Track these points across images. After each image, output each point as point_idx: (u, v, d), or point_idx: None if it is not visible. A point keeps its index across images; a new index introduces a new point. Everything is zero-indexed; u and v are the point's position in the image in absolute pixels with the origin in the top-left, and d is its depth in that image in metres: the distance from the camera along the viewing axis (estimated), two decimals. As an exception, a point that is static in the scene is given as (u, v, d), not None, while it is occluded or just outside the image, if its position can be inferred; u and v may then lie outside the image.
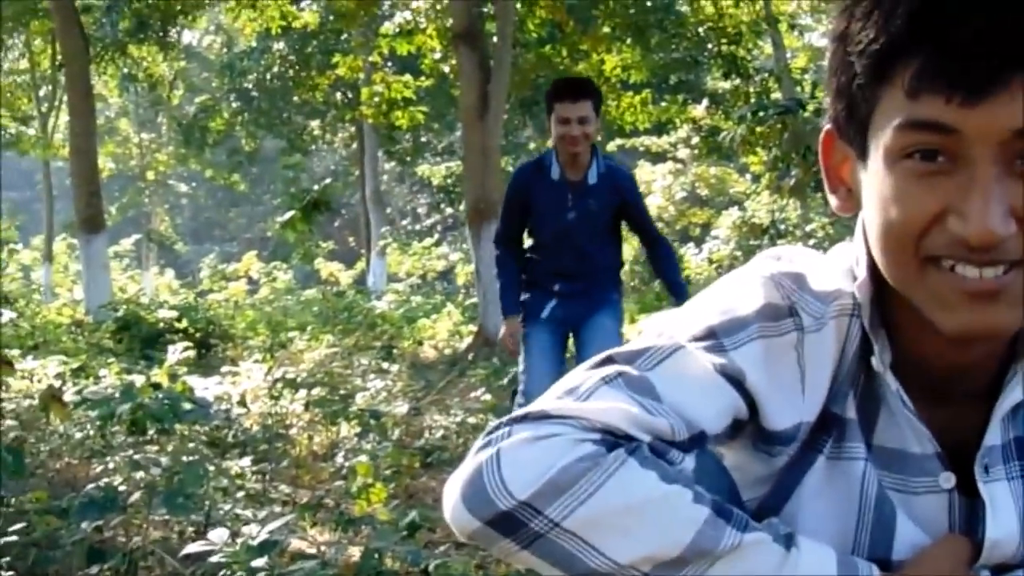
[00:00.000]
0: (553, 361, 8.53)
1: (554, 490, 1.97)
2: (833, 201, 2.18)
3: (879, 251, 2.05)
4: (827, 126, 2.15)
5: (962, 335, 2.01)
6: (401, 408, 12.32)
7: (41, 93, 40.28)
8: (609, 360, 2.16)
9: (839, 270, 2.24)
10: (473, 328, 20.88)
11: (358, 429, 10.89)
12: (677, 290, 8.66)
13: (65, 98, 32.76)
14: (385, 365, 16.28)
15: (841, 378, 2.21)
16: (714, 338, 2.16)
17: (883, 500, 2.23)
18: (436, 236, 41.16)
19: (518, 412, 2.10)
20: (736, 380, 2.13)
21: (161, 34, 34.11)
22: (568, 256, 8.58)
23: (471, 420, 11.83)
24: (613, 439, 2.02)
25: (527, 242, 9.05)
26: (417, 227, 41.70)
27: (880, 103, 1.98)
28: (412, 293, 32.53)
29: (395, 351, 19.22)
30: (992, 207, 1.88)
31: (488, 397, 13.15)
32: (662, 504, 1.99)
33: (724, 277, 2.34)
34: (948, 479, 2.22)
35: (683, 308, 2.27)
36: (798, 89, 30.65)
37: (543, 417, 2.07)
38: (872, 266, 2.14)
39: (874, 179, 2.03)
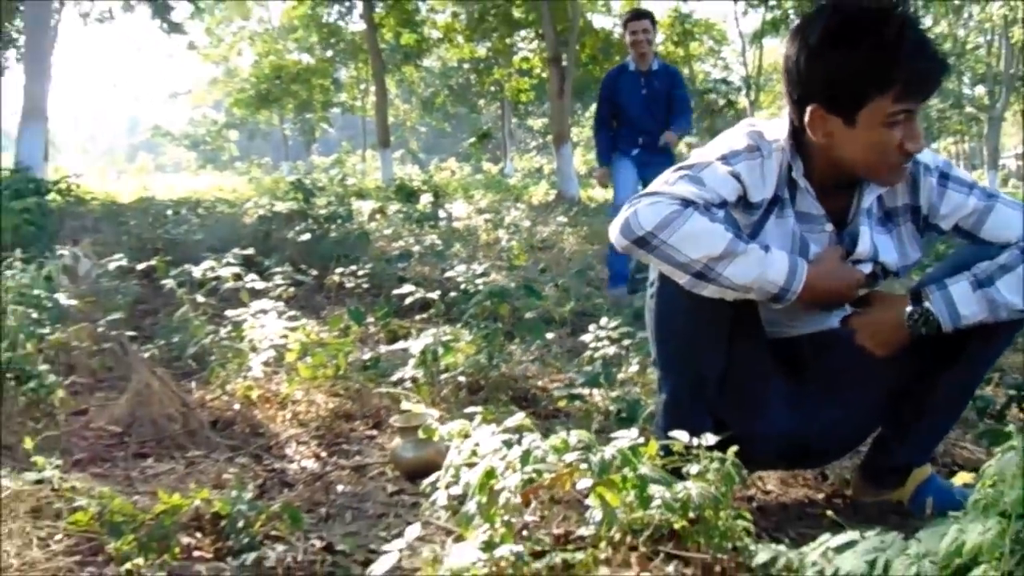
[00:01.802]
0: (635, 185, 7.19)
1: (662, 224, 2.10)
2: (811, 134, 2.22)
3: (869, 159, 2.19)
4: (812, 107, 2.18)
5: (894, 184, 2.30)
6: (526, 223, 12.31)
7: (362, 87, 40.18)
8: (680, 169, 2.24)
9: (778, 130, 2.27)
10: (554, 192, 20.71)
11: (508, 232, 10.87)
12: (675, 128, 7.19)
13: (372, 88, 32.95)
14: (517, 206, 16.19)
15: (781, 179, 2.28)
16: (725, 159, 2.23)
17: (803, 237, 2.34)
18: (534, 151, 40.63)
19: (640, 192, 2.22)
20: (737, 176, 2.22)
21: (416, 60, 34.01)
22: (644, 123, 7.16)
23: (559, 230, 11.80)
24: (686, 202, 2.11)
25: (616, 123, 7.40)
26: (526, 147, 41.46)
27: (873, 100, 2.11)
28: (524, 176, 32.26)
29: (520, 201, 19.08)
30: (921, 133, 2.17)
31: (564, 220, 13.08)
32: (711, 230, 2.10)
33: (725, 132, 2.40)
34: (828, 227, 2.35)
35: (708, 145, 2.32)
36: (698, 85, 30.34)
37: (654, 194, 2.17)
38: (793, 133, 2.30)
39: (864, 130, 2.15)
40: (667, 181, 2.21)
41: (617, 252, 6.57)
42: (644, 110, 7.19)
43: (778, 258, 2.15)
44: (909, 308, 2.26)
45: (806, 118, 2.20)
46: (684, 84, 7.50)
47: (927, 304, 2.23)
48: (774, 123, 2.34)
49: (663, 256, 2.13)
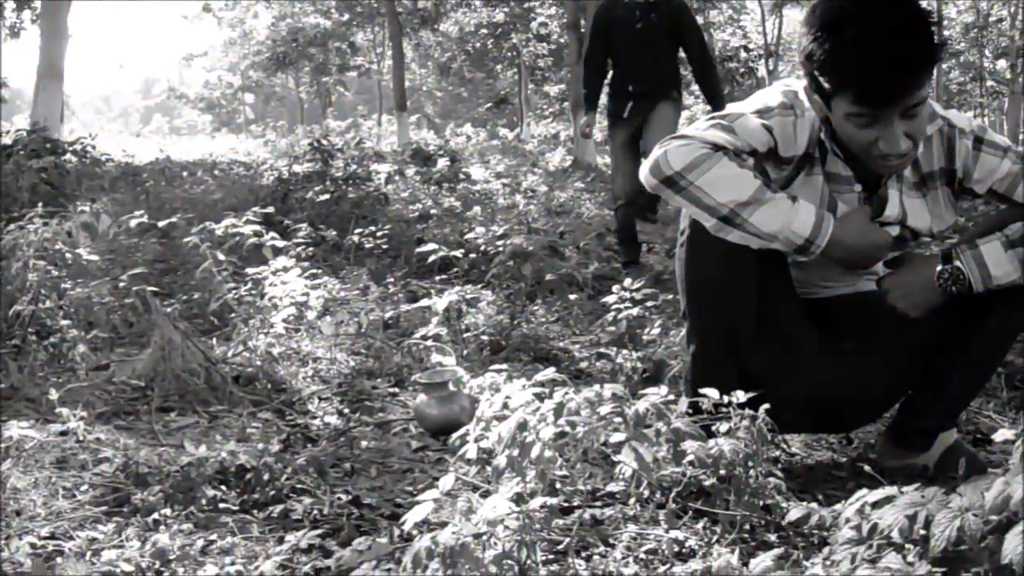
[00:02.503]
0: (630, 154, 6.00)
1: (691, 166, 2.12)
2: (810, 106, 2.25)
3: (850, 145, 2.19)
4: (805, 82, 2.19)
5: (888, 171, 2.26)
6: (544, 188, 12.25)
7: (379, 51, 40.07)
8: (713, 118, 2.24)
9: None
10: (570, 158, 20.57)
11: (525, 197, 10.82)
12: (715, 101, 6.01)
13: (388, 52, 32.77)
14: (534, 171, 16.10)
15: (812, 139, 2.26)
16: (759, 114, 2.21)
17: (831, 197, 2.33)
18: (551, 118, 40.37)
19: (674, 134, 2.24)
20: (769, 130, 2.22)
21: (433, 24, 33.80)
22: (641, 61, 5.96)
23: (577, 195, 11.74)
24: (717, 147, 2.14)
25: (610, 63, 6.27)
26: (542, 113, 41.19)
27: (836, 95, 2.09)
28: (540, 143, 32.12)
29: (536, 167, 18.96)
30: (899, 138, 2.08)
31: (581, 185, 13.01)
32: (740, 176, 2.12)
33: (762, 89, 2.40)
34: (857, 187, 2.33)
35: (744, 102, 2.30)
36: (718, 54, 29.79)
37: (685, 136, 2.17)
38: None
39: (838, 119, 2.14)
40: (699, 127, 2.22)
41: (624, 238, 6.37)
42: (638, 49, 6.00)
43: (805, 210, 2.15)
44: (939, 267, 2.24)
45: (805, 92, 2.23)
46: (694, 18, 6.29)
47: (958, 263, 2.22)
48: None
49: (690, 197, 2.15)
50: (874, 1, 2.03)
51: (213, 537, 2.02)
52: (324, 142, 10.02)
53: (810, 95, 2.19)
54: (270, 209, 5.85)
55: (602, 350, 3.48)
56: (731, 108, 2.29)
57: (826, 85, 2.08)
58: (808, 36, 2.08)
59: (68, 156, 10.52)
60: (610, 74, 6.24)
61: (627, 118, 6.05)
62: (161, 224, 5.26)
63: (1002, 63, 36.53)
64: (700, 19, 31.69)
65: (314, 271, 4.48)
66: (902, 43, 1.99)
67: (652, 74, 6.00)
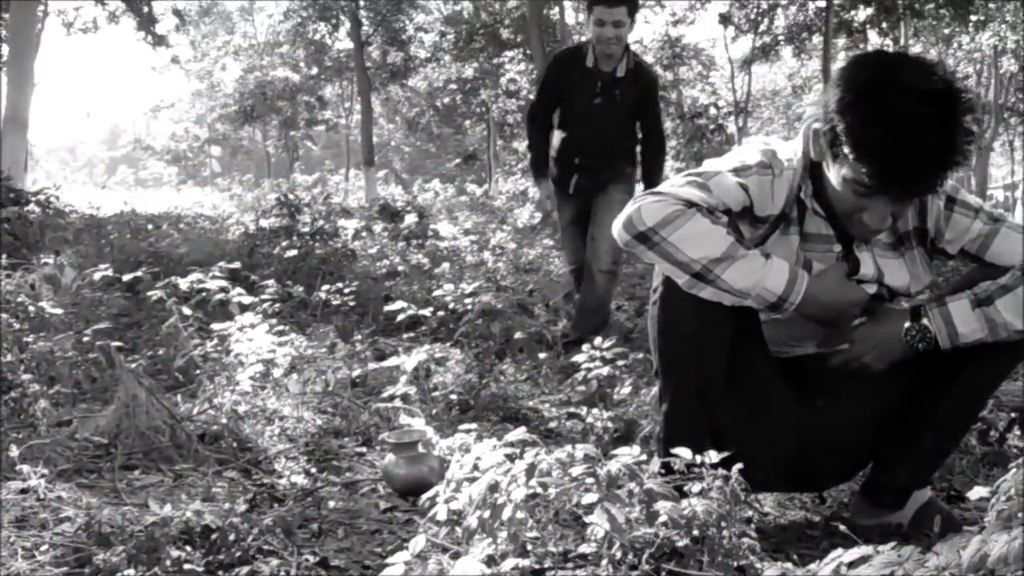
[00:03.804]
0: (579, 230, 5.53)
1: (664, 222, 2.15)
2: (811, 148, 2.27)
3: (837, 203, 2.26)
4: (817, 124, 2.22)
5: (863, 237, 2.33)
6: (512, 245, 12.29)
7: (347, 105, 40.33)
8: (690, 175, 2.27)
9: (791, 150, 2.28)
10: (539, 214, 20.59)
11: (494, 254, 10.84)
12: (648, 185, 5.27)
13: (357, 107, 32.93)
14: (502, 228, 16.15)
15: (790, 198, 2.29)
16: (736, 171, 2.24)
17: (806, 258, 2.36)
18: (519, 174, 40.62)
19: (650, 190, 2.31)
20: (745, 188, 2.25)
21: (402, 81, 34.05)
22: (591, 136, 5.38)
23: (546, 251, 11.78)
24: (690, 204, 2.17)
25: (556, 120, 5.60)
26: (511, 169, 41.35)
27: (846, 160, 2.12)
28: (509, 199, 32.28)
29: (505, 223, 19.01)
30: (885, 217, 2.19)
31: (551, 243, 13.04)
32: (713, 232, 2.15)
33: (739, 147, 2.44)
34: (836, 247, 2.37)
35: (722, 158, 2.34)
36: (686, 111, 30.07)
37: (659, 193, 2.21)
38: (806, 154, 2.30)
39: (836, 176, 2.19)
40: (674, 184, 2.26)
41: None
42: (591, 123, 5.43)
43: (778, 267, 2.19)
44: (907, 324, 2.29)
45: (811, 131, 2.25)
46: (658, 100, 5.72)
47: (925, 321, 2.27)
48: (788, 143, 2.36)
49: (663, 253, 2.17)
50: (916, 83, 2.06)
51: (177, 599, 2.00)
52: (291, 196, 10.05)
53: (817, 137, 2.22)
54: (236, 264, 5.83)
55: (572, 409, 3.49)
56: (708, 165, 2.32)
57: (843, 147, 2.11)
58: (838, 93, 2.12)
59: (32, 206, 10.46)
60: (556, 135, 5.61)
61: (572, 195, 5.57)
62: (126, 278, 5.25)
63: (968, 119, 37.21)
64: (670, 75, 32.20)
65: (281, 328, 4.45)
66: (931, 145, 2.04)
67: (602, 150, 5.46)
